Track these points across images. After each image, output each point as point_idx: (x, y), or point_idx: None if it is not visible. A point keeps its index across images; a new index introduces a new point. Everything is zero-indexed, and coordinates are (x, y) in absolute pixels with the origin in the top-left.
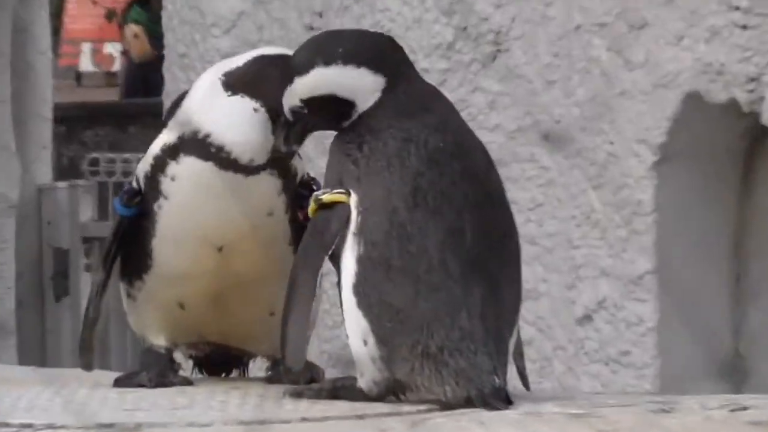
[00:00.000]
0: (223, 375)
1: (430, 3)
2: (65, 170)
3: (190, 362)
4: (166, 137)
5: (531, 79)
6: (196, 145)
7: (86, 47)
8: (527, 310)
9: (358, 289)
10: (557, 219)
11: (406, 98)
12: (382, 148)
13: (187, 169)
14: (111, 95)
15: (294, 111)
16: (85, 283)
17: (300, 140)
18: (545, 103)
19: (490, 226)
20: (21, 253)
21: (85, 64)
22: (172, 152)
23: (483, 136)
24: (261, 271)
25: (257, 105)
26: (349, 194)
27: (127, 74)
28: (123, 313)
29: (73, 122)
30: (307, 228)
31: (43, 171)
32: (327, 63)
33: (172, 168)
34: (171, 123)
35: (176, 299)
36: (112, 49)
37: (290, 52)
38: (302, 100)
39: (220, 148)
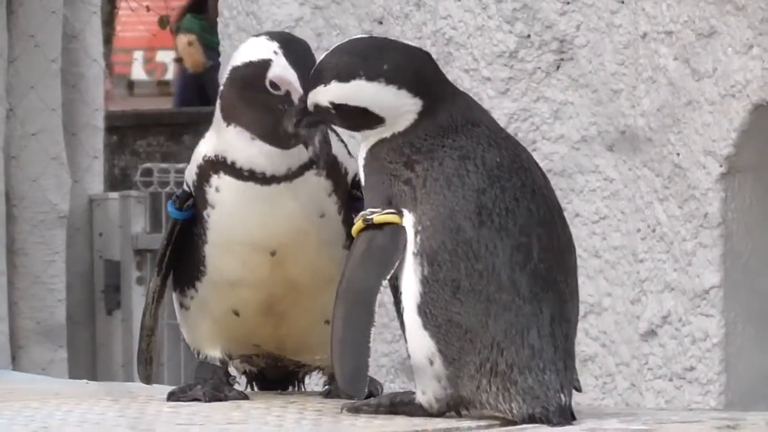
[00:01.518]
0: (279, 390)
1: (492, 10)
2: (117, 181)
3: (245, 378)
4: (206, 147)
5: (596, 88)
6: (230, 168)
7: (138, 55)
8: (590, 325)
9: (424, 310)
10: (622, 232)
11: (448, 115)
12: (439, 167)
13: (228, 185)
14: (164, 104)
15: (318, 107)
16: (137, 296)
17: (310, 128)
18: (610, 113)
19: (554, 240)
20: (72, 265)
21: (137, 73)
22: (212, 167)
23: (546, 147)
24: (315, 275)
25: (252, 135)
26: (401, 215)
27: (181, 83)
28: (176, 326)
29: (125, 132)
30: (357, 248)
31: (95, 181)
32: (370, 78)
33: (215, 180)
34: (209, 132)
35: (230, 306)
36: (165, 57)
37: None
38: (332, 104)
39: (251, 171)
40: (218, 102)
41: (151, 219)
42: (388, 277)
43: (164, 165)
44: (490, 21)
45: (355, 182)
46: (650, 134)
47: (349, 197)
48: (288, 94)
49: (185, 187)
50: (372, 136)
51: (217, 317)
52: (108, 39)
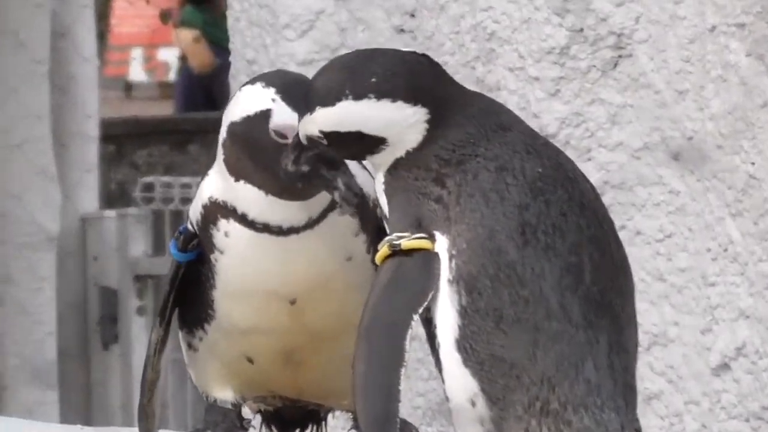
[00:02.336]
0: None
1: (540, 1)
2: (114, 197)
3: (259, 418)
4: (212, 188)
5: (658, 89)
6: (240, 218)
7: (137, 53)
8: (655, 358)
9: (463, 345)
10: (689, 252)
11: (472, 120)
12: (473, 181)
13: (239, 232)
14: (166, 109)
15: (311, 139)
16: (137, 328)
17: (312, 163)
18: (675, 117)
19: (607, 260)
20: (63, 293)
21: (136, 73)
22: (220, 210)
23: (602, 156)
24: (341, 321)
25: (266, 192)
26: (432, 239)
27: (185, 84)
28: (182, 362)
29: (123, 141)
30: (383, 278)
31: (88, 198)
32: (357, 96)
33: (224, 225)
34: (213, 172)
35: (243, 353)
36: (167, 55)
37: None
38: (323, 132)
39: (266, 225)
40: (220, 153)
41: (153, 240)
42: (420, 310)
43: (167, 178)
44: (537, 13)
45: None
46: (720, 141)
47: (379, 232)
48: (296, 139)
49: (189, 225)
50: (382, 159)
51: (229, 362)
52: (102, 35)
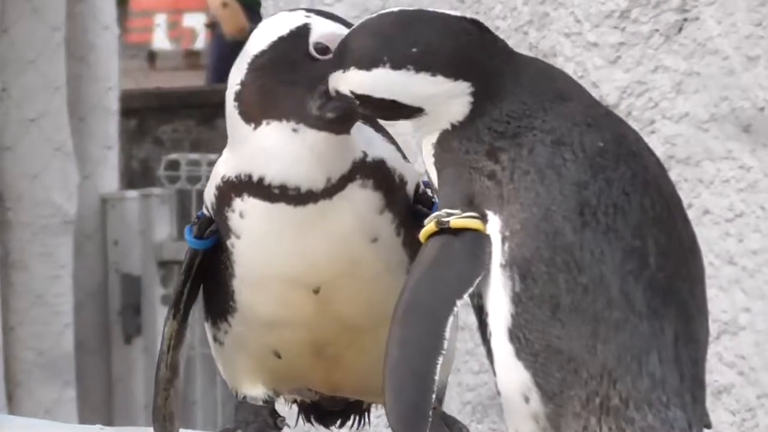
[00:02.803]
0: (338, 424)
1: None
2: (136, 176)
3: (295, 409)
4: (225, 166)
5: (727, 55)
6: (256, 187)
7: (161, 19)
8: (724, 348)
9: (516, 335)
10: (762, 232)
11: (526, 89)
12: (528, 156)
13: (254, 209)
14: (194, 79)
15: (339, 93)
16: (162, 319)
17: (337, 112)
18: (745, 86)
19: (674, 242)
20: (81, 281)
21: (160, 41)
22: (234, 189)
23: (667, 128)
24: (373, 311)
25: (296, 123)
26: (484, 219)
27: (215, 53)
28: (211, 357)
29: (146, 115)
30: (426, 256)
31: (109, 177)
32: (396, 65)
33: (239, 204)
34: (225, 151)
35: (270, 348)
36: (194, 21)
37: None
38: (355, 94)
39: (283, 188)
40: (232, 109)
41: (179, 223)
42: (465, 296)
43: (194, 156)
44: None
45: (420, 195)
46: None
47: (411, 214)
48: None
49: (205, 209)
50: (423, 126)
51: (257, 357)
52: (123, 0)
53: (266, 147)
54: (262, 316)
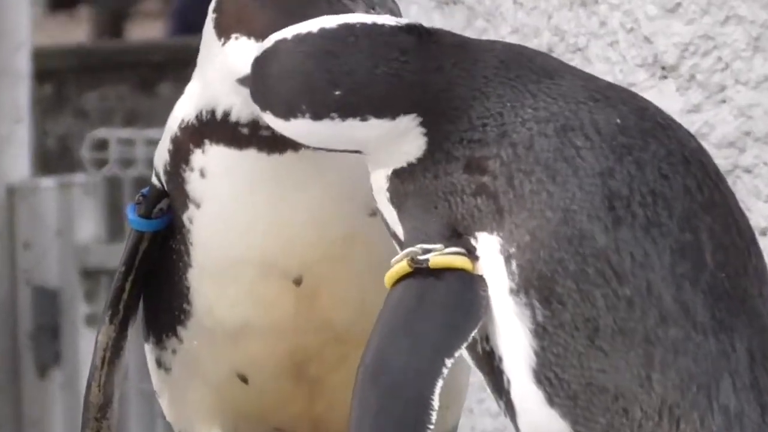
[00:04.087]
0: None
1: None
2: (53, 159)
3: None
4: (185, 106)
5: None
6: (220, 128)
7: None
8: None
9: (545, 376)
10: None
11: (496, 80)
12: (528, 153)
13: (218, 162)
14: (128, 32)
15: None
16: (85, 345)
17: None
18: None
19: (732, 231)
20: None
21: None
22: (194, 135)
23: (742, 96)
24: (368, 316)
25: (256, 41)
26: (472, 254)
27: None
28: (151, 394)
29: (65, 79)
30: (399, 307)
31: (17, 161)
32: (316, 116)
33: (199, 158)
34: (190, 84)
35: (234, 369)
36: None
37: None
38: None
39: (254, 126)
40: (209, 22)
41: (109, 220)
42: (457, 354)
43: (127, 132)
44: None
45: None
46: None
47: None
48: None
49: (154, 179)
50: (375, 164)
51: (215, 384)
52: None
53: (233, 68)
54: (224, 321)
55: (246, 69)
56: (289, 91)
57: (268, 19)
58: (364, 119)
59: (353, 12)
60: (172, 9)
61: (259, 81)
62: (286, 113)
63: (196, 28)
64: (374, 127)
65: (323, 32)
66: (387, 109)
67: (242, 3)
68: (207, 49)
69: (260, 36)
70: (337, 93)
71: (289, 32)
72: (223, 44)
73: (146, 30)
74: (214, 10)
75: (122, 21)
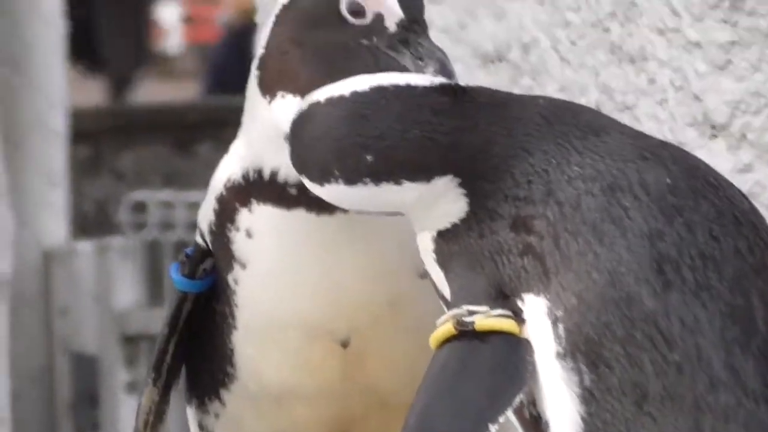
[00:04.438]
0: None
1: None
2: (90, 222)
3: None
4: (230, 166)
5: None
6: (268, 188)
7: None
8: None
9: None
10: None
11: (539, 136)
12: (574, 213)
13: (265, 221)
14: (166, 92)
15: None
16: (126, 413)
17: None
18: None
19: None
20: (19, 362)
21: None
22: (240, 195)
23: None
24: (415, 375)
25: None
26: (519, 316)
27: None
28: None
29: (103, 140)
30: (444, 370)
31: (54, 224)
32: (350, 181)
33: (245, 218)
34: (235, 143)
35: None
36: (165, 14)
37: None
38: None
39: (302, 186)
40: (253, 80)
41: (148, 284)
42: (501, 419)
43: (167, 194)
44: None
45: None
46: None
47: None
48: (378, 20)
49: (198, 239)
50: (418, 225)
51: None
52: None
53: (280, 127)
54: (269, 385)
55: (287, 166)
56: (322, 157)
57: (312, 75)
58: (398, 183)
59: (400, 64)
60: (207, 68)
61: (295, 144)
62: (321, 178)
63: (231, 87)
64: (409, 190)
65: (355, 95)
66: (421, 172)
67: (286, 59)
68: (251, 107)
69: (305, 93)
70: (368, 158)
71: (322, 95)
72: (269, 102)
73: (154, 92)
74: (258, 68)
75: (128, 83)
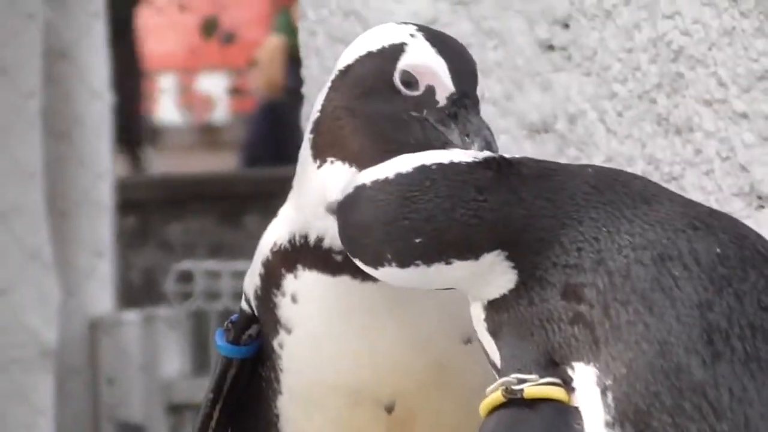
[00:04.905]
0: None
1: (749, 3)
2: (136, 292)
3: None
4: (278, 229)
5: None
6: (313, 254)
7: (168, 82)
8: None
9: None
10: None
11: (588, 204)
12: (624, 282)
13: (311, 287)
14: (212, 163)
15: None
16: None
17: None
18: None
19: None
20: (65, 430)
21: (167, 112)
22: (286, 260)
23: None
24: None
25: (357, 167)
26: (569, 385)
27: (260, 122)
28: None
29: (149, 211)
30: None
31: (100, 294)
32: (402, 264)
33: (291, 283)
34: (284, 207)
35: None
36: (211, 84)
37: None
38: None
39: (347, 255)
40: (306, 143)
41: (194, 354)
42: None
43: (213, 264)
44: (744, 21)
45: None
46: None
47: None
48: (429, 92)
49: (243, 304)
50: (471, 296)
51: None
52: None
53: (327, 193)
54: None
55: (336, 195)
56: (373, 242)
57: (362, 143)
58: (448, 263)
59: (447, 138)
60: (243, 142)
61: (344, 228)
62: (374, 262)
63: (265, 161)
64: (459, 269)
65: (400, 178)
66: (469, 251)
67: (338, 125)
68: (302, 171)
69: (354, 161)
70: (418, 241)
71: (368, 177)
72: (319, 167)
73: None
74: (312, 131)
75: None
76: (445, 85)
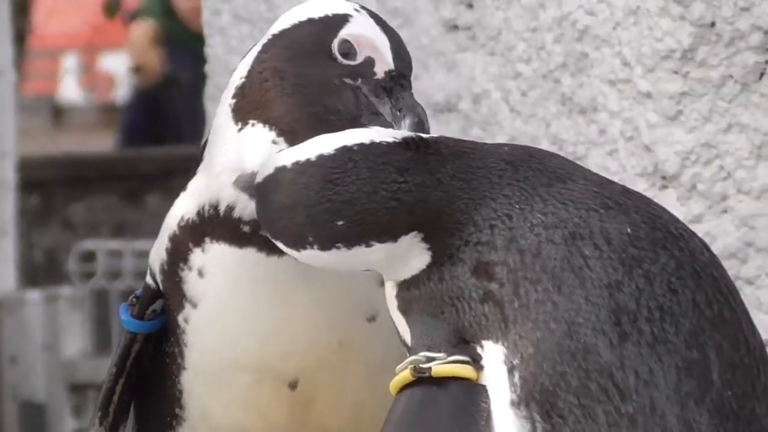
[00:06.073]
0: None
1: None
2: (39, 271)
3: None
4: (186, 202)
5: None
6: (221, 225)
7: (70, 62)
8: None
9: None
10: None
11: (502, 182)
12: (535, 260)
13: (217, 261)
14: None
15: None
16: None
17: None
18: None
19: (741, 349)
20: None
21: (69, 91)
22: (193, 233)
23: (744, 206)
24: (363, 423)
25: (278, 131)
26: (477, 362)
27: (134, 107)
28: None
29: (52, 189)
30: (399, 414)
31: (2, 273)
32: (324, 247)
33: (198, 257)
34: (193, 181)
35: None
36: (114, 63)
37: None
38: None
39: (255, 224)
40: (226, 108)
41: (96, 333)
42: None
43: (115, 244)
44: (649, 0)
45: None
46: None
47: None
48: (367, 63)
49: (148, 279)
50: (385, 275)
51: None
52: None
53: (244, 157)
54: (219, 426)
55: (253, 165)
56: (295, 225)
57: (288, 106)
58: (368, 245)
59: (377, 109)
60: (119, 128)
61: (265, 211)
62: (296, 245)
63: (141, 143)
64: (378, 251)
65: (321, 159)
66: (388, 233)
67: (265, 87)
68: (218, 137)
69: (276, 124)
70: (340, 224)
71: (288, 159)
72: (240, 130)
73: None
74: (234, 96)
75: None
76: (385, 60)
